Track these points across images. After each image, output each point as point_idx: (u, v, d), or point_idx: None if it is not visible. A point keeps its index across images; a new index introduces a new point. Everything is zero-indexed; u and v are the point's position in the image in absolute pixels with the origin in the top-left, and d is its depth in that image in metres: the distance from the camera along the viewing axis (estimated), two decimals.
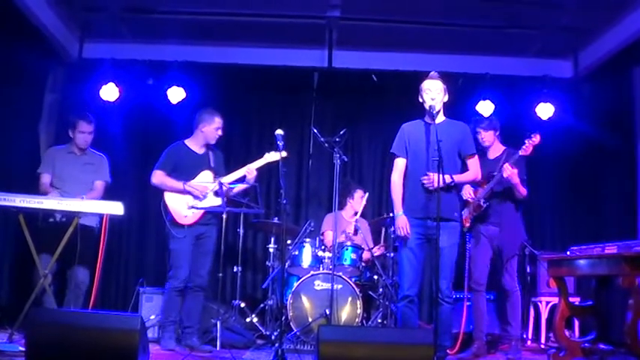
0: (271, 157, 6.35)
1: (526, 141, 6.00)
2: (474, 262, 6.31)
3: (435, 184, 5.10)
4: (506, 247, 6.22)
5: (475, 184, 6.35)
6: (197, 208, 6.14)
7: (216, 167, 6.37)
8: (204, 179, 6.24)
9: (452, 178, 5.29)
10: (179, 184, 6.17)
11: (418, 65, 7.78)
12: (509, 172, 5.98)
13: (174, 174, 6.24)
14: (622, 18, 6.99)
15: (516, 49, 8.00)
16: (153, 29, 7.73)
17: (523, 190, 6.18)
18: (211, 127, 6.32)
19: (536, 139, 6.00)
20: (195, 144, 6.39)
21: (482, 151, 6.37)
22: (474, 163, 5.51)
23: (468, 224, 6.36)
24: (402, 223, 5.33)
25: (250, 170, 6.26)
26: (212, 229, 6.28)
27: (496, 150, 6.42)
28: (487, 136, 6.40)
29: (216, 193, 6.14)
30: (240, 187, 6.31)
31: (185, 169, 6.27)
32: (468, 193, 6.32)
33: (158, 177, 6.26)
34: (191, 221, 6.17)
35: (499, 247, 6.24)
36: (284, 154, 5.92)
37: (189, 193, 6.16)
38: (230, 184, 6.22)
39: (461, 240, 5.54)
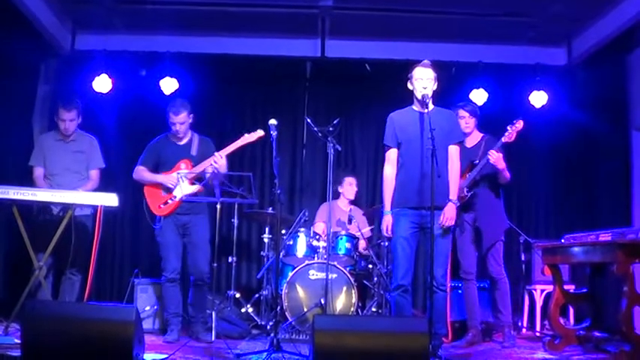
0: (246, 139, 6.31)
1: (508, 127, 5.96)
2: (461, 252, 6.27)
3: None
4: (487, 233, 6.13)
5: None
6: (173, 199, 6.12)
7: (198, 156, 6.26)
8: (182, 169, 6.20)
9: (456, 200, 5.30)
10: (156, 177, 6.19)
11: (411, 54, 7.75)
12: (496, 156, 5.91)
13: (159, 167, 6.26)
14: (616, 4, 6.96)
15: (509, 37, 7.97)
16: (145, 20, 7.68)
17: (508, 175, 6.10)
18: (170, 120, 6.26)
19: (519, 124, 5.96)
20: (175, 135, 6.35)
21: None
22: (454, 151, 5.36)
23: None
24: (387, 223, 5.32)
25: (218, 157, 6.11)
26: (197, 219, 6.20)
27: (474, 138, 6.35)
28: (472, 123, 6.35)
29: (196, 181, 6.10)
30: (194, 188, 6.14)
31: (166, 161, 6.26)
32: None
33: (138, 173, 6.31)
34: (166, 212, 6.16)
35: (479, 232, 6.16)
36: (260, 132, 6.07)
37: (161, 184, 6.17)
38: (188, 174, 6.11)
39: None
